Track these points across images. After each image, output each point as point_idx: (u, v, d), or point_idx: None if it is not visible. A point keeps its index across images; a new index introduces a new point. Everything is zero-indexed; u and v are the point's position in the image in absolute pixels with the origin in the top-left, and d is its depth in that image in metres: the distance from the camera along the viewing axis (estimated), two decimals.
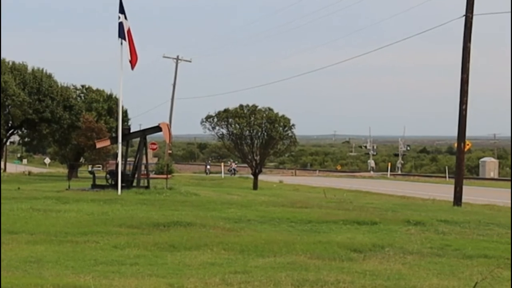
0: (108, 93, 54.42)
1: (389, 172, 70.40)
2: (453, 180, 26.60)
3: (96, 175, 26.86)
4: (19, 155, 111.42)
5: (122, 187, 22.57)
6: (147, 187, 24.47)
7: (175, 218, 13.70)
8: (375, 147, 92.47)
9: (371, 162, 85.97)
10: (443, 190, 34.08)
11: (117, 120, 30.98)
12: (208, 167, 71.07)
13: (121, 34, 22.02)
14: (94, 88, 54.97)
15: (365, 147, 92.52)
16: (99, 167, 50.05)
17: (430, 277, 8.42)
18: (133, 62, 22.05)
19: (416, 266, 9.27)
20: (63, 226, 12.51)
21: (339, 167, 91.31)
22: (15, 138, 61.07)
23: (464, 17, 24.27)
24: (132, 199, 19.14)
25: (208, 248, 10.26)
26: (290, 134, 37.28)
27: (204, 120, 37.40)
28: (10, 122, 44.34)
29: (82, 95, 53.80)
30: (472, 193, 30.11)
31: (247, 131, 36.43)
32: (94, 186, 25.11)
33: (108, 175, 25.77)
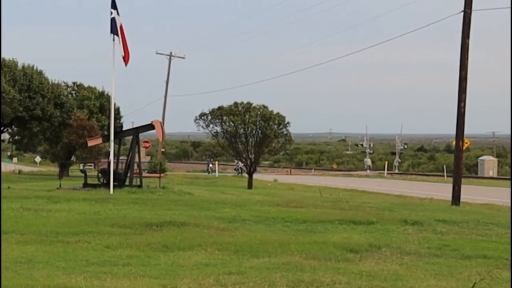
0: (100, 90, 54.23)
1: (386, 171, 70.33)
2: (451, 179, 26.46)
3: (87, 174, 26.64)
4: (9, 153, 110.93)
5: (114, 186, 22.42)
6: (140, 186, 24.36)
7: (168, 218, 13.67)
8: (371, 145, 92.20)
9: (368, 161, 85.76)
10: (441, 189, 33.98)
11: (109, 117, 30.86)
12: (211, 165, 69.72)
13: (114, 30, 21.86)
14: (86, 85, 54.83)
15: (362, 145, 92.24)
16: (90, 165, 49.90)
17: (428, 278, 8.39)
18: (126, 58, 21.88)
19: (413, 266, 9.23)
20: (54, 226, 12.46)
21: (335, 166, 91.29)
22: (5, 136, 60.70)
23: (462, 12, 24.14)
24: (125, 198, 19.07)
25: (202, 248, 10.22)
26: (285, 132, 37.18)
27: (198, 117, 37.24)
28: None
29: (73, 92, 53.59)
30: (470, 192, 30.06)
31: (242, 129, 36.28)
32: (86, 185, 24.95)
33: (100, 174, 25.61)
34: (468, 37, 24.09)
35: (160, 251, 10.05)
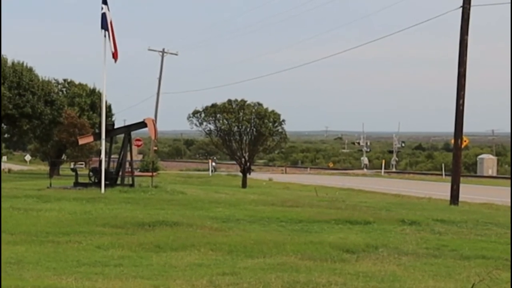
0: (91, 87, 53.81)
1: (383, 170, 70.35)
2: (449, 178, 26.35)
3: (78, 172, 26.67)
4: None
5: (105, 185, 22.32)
6: (132, 185, 24.27)
7: (161, 218, 13.62)
8: (368, 144, 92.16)
9: (365, 159, 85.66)
10: (440, 188, 34.00)
11: (100, 115, 30.69)
12: (214, 164, 68.85)
13: (104, 25, 21.71)
14: (77, 82, 54.49)
15: (358, 143, 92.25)
16: (81, 164, 49.50)
17: (426, 278, 8.37)
18: (115, 54, 21.72)
19: (411, 267, 9.20)
20: (45, 226, 12.40)
21: (331, 165, 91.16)
22: None
23: (461, 8, 24.01)
24: (116, 197, 19.00)
25: (195, 248, 10.19)
26: (280, 130, 37.02)
27: (191, 115, 37.03)
28: None
29: (64, 89, 53.31)
30: (469, 191, 30.06)
31: (236, 127, 36.10)
32: (77, 184, 24.84)
33: (91, 173, 25.50)
34: (467, 33, 23.98)
35: (153, 251, 10.01)
